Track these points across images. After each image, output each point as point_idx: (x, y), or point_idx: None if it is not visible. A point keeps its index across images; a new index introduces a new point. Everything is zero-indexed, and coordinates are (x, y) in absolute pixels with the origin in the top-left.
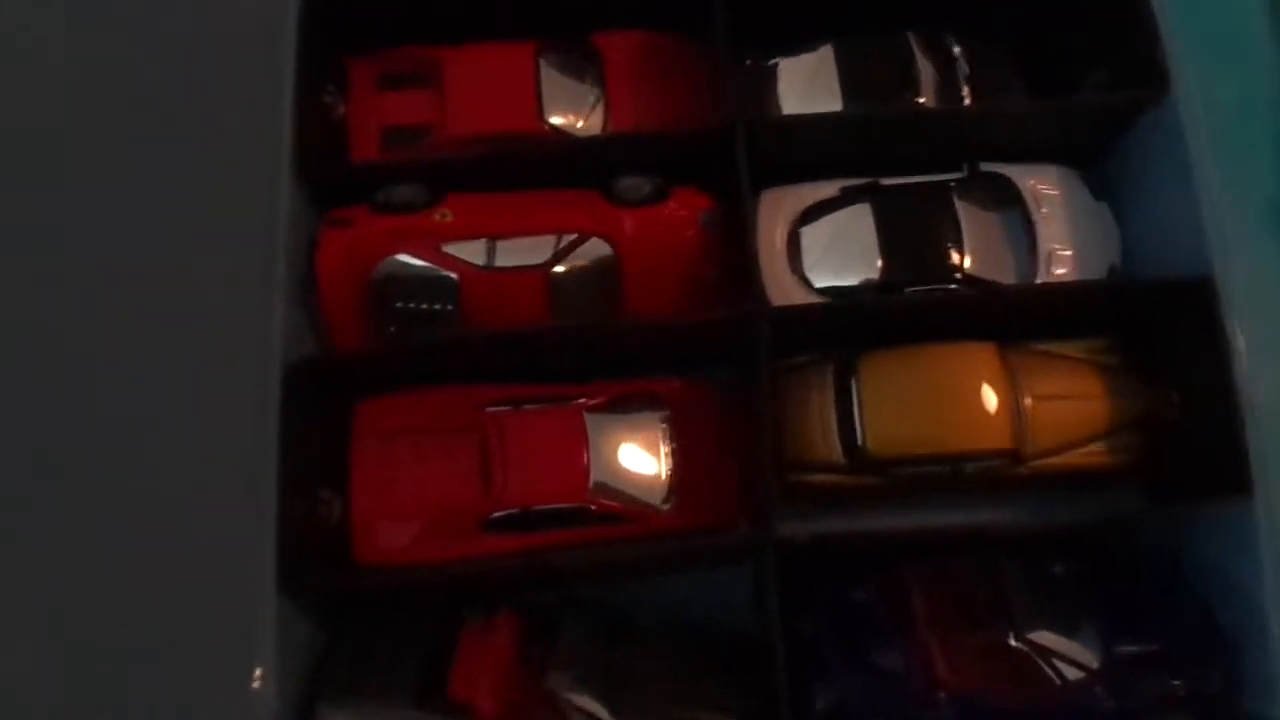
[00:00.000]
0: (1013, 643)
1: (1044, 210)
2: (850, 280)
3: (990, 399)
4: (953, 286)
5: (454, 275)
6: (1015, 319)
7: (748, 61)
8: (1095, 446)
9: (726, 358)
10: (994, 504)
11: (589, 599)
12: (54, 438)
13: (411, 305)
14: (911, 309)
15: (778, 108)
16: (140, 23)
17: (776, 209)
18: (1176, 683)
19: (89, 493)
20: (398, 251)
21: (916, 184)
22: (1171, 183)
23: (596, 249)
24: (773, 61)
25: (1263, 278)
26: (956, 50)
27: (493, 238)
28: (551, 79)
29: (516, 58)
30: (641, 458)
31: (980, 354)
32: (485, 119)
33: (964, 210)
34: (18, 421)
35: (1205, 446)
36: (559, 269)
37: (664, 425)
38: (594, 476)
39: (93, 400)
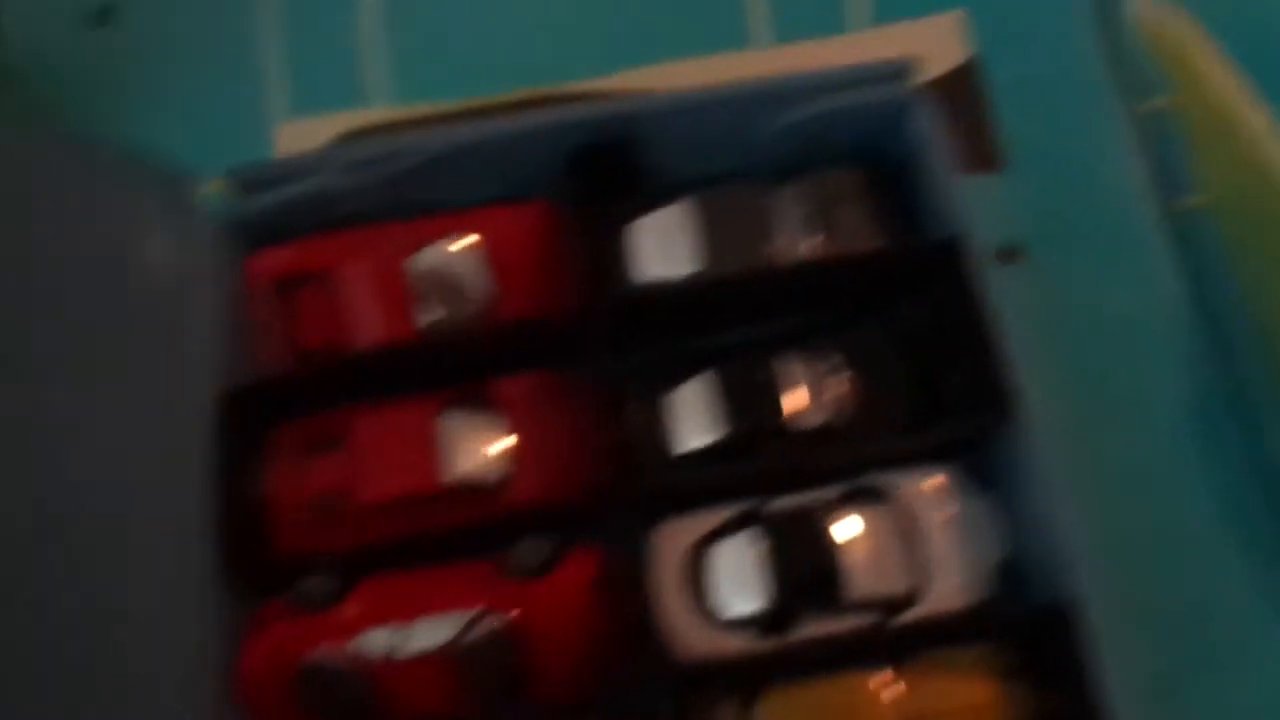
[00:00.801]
0: None
1: (925, 517)
2: (746, 611)
3: None
4: (844, 614)
5: (365, 669)
6: (907, 639)
7: (630, 388)
8: None
9: None
10: None
11: None
12: None
13: (328, 701)
14: (800, 654)
15: (673, 441)
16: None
17: (670, 543)
18: None
19: None
20: (313, 649)
21: (796, 507)
22: (1033, 499)
23: (495, 624)
24: (668, 394)
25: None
26: (834, 359)
27: (398, 626)
28: (452, 433)
29: (418, 415)
30: None
31: (873, 685)
32: (390, 483)
33: (843, 530)
34: None
35: None
36: (462, 649)
37: None
38: None
39: None
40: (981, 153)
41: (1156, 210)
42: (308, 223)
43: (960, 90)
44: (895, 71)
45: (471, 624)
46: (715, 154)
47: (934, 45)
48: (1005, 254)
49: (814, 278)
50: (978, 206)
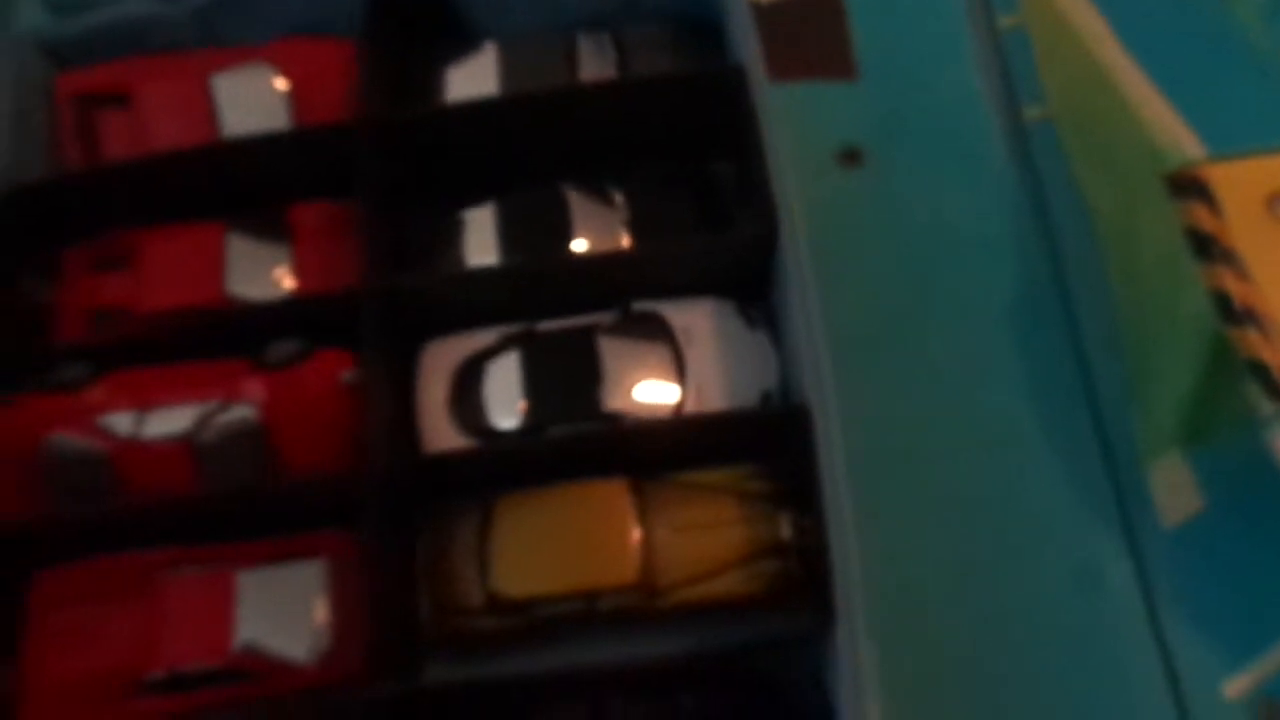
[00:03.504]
0: None
1: (694, 344)
2: (502, 424)
3: (615, 535)
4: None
5: (105, 449)
6: (656, 452)
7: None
8: (733, 575)
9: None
10: (633, 639)
11: None
12: None
13: (71, 480)
14: (531, 453)
15: (458, 261)
16: None
17: (438, 360)
18: None
19: None
20: (56, 429)
21: (565, 328)
22: (796, 316)
23: (241, 414)
24: (457, 218)
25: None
26: (618, 198)
27: (141, 410)
28: (238, 253)
29: (206, 236)
30: (292, 614)
31: (609, 491)
32: (172, 295)
33: (608, 349)
34: None
35: (818, 571)
36: (203, 436)
37: (319, 580)
38: (239, 636)
39: None
40: (838, 61)
41: (1002, 121)
42: (120, 50)
43: (821, 3)
44: None
45: (217, 411)
46: (531, 6)
47: None
48: (847, 156)
49: (602, 101)
50: (826, 111)
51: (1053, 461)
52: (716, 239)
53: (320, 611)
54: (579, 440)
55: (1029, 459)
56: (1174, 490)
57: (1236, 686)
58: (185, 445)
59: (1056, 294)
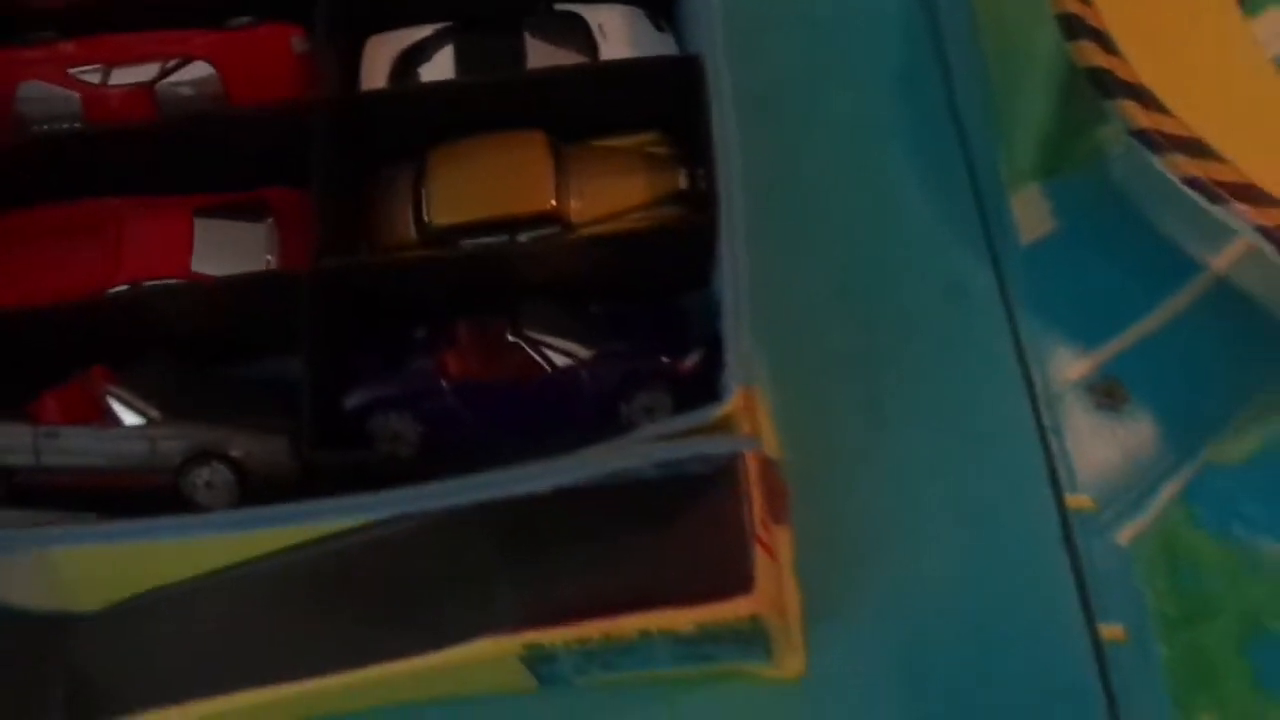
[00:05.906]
0: (509, 337)
1: (608, 39)
2: None
3: (532, 170)
4: None
5: (76, 94)
6: (571, 109)
7: None
8: (638, 216)
9: None
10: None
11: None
12: None
13: (43, 125)
14: (457, 94)
15: None
16: None
17: (379, 50)
18: (657, 363)
19: None
20: (30, 79)
21: (496, 23)
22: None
23: (201, 71)
24: None
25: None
26: None
27: (110, 63)
28: None
29: None
30: (245, 258)
31: (527, 137)
32: None
33: (532, 43)
34: None
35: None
36: (164, 85)
37: (269, 226)
38: (197, 258)
39: None
40: None
41: None
42: None
43: None
44: None
45: (177, 66)
46: None
47: None
48: None
49: None
50: None
51: (927, 196)
52: None
53: (271, 260)
54: (500, 86)
55: (906, 194)
56: (1031, 215)
57: (1077, 369)
58: (148, 92)
59: (937, 63)
